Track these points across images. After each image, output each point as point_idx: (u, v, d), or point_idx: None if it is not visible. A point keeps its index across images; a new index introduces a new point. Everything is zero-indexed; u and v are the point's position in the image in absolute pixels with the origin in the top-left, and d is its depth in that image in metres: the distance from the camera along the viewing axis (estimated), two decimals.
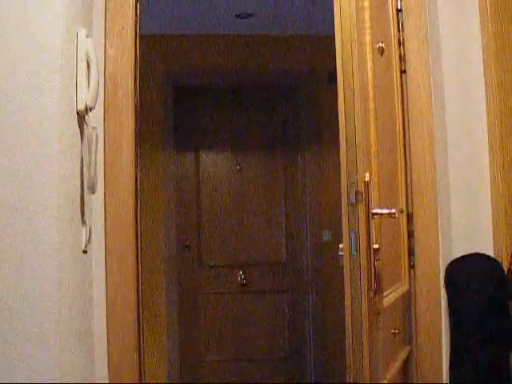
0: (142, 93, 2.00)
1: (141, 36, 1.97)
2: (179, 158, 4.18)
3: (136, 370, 1.86)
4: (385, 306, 1.66)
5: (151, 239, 3.89)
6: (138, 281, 1.88)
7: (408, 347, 1.93)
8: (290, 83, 4.14)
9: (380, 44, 1.79)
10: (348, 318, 1.53)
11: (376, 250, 1.49)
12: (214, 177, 4.21)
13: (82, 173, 1.61)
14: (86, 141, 1.65)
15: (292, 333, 4.14)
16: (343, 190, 1.52)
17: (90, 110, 1.59)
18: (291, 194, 4.22)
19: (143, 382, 1.86)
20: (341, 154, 1.56)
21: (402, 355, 1.88)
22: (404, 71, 1.97)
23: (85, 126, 1.63)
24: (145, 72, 2.10)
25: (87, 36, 1.62)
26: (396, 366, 1.80)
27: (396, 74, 1.98)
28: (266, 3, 3.55)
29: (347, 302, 1.53)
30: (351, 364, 1.53)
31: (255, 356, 4.10)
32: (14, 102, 1.37)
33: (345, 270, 1.53)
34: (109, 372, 1.83)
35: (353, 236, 1.49)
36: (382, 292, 1.62)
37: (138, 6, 1.95)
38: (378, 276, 1.51)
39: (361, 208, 1.49)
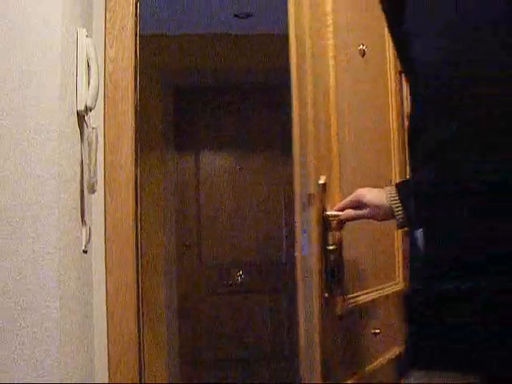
0: (141, 93, 2.00)
1: (141, 36, 1.97)
2: (179, 158, 4.18)
3: (136, 369, 1.86)
4: (357, 306, 1.64)
5: (151, 239, 3.89)
6: (137, 281, 1.88)
7: (397, 348, 1.90)
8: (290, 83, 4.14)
9: (361, 46, 1.79)
10: (301, 319, 1.53)
11: (332, 251, 1.48)
12: (214, 176, 4.21)
13: (82, 173, 1.61)
14: (86, 141, 1.65)
15: (292, 332, 4.14)
16: (296, 192, 1.51)
17: (90, 110, 1.59)
18: (291, 193, 4.21)
19: (143, 382, 1.86)
20: (294, 158, 1.54)
21: (387, 355, 1.85)
22: (401, 71, 1.98)
23: (85, 126, 1.63)
24: (145, 72, 2.10)
25: (87, 36, 1.62)
26: (376, 365, 1.78)
27: (390, 74, 1.98)
28: (265, 3, 3.55)
29: (300, 303, 1.52)
30: (304, 365, 1.53)
31: (255, 356, 4.10)
32: (14, 102, 1.37)
33: (297, 270, 1.53)
34: (109, 372, 1.83)
35: (305, 237, 1.49)
36: (346, 294, 1.60)
37: (138, 5, 1.95)
38: (339, 277, 1.50)
39: (312, 210, 1.47)
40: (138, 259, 1.88)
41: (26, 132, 1.36)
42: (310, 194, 1.47)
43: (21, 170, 1.36)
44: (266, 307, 4.15)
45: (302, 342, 1.52)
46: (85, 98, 1.55)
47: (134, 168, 1.89)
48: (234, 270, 4.16)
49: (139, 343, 1.86)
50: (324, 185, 1.47)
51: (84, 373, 1.62)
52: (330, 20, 1.67)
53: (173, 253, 4.03)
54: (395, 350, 1.89)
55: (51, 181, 1.37)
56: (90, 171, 1.64)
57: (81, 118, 1.59)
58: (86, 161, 1.64)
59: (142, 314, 1.93)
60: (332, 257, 1.47)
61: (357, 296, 1.68)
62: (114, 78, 1.89)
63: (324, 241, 1.47)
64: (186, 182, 4.19)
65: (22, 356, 1.32)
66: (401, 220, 1.32)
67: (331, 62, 1.69)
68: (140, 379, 1.86)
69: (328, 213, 1.47)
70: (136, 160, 1.91)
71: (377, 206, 1.38)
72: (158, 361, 3.87)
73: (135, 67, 1.91)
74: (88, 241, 1.68)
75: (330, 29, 1.67)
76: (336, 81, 1.68)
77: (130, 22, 1.90)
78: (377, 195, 1.39)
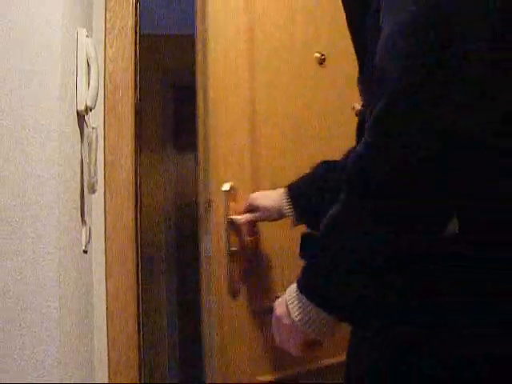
0: (141, 93, 2.00)
1: (140, 36, 1.97)
2: (179, 158, 4.18)
3: (136, 369, 1.86)
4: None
5: (151, 238, 3.89)
6: (137, 280, 1.88)
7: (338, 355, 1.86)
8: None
9: (317, 54, 1.84)
10: (204, 320, 1.65)
11: (233, 253, 1.59)
12: None
13: (82, 173, 1.61)
14: (86, 141, 1.65)
15: None
16: (199, 197, 1.65)
17: (90, 109, 1.59)
18: None
19: (143, 381, 1.86)
20: (198, 164, 1.67)
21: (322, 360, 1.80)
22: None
23: (85, 126, 1.63)
24: (144, 72, 2.10)
25: (87, 36, 1.62)
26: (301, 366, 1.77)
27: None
28: None
29: (203, 303, 1.66)
30: (207, 367, 1.64)
31: None
32: (14, 102, 1.37)
33: (201, 271, 1.57)
34: (109, 372, 1.83)
35: (208, 239, 1.53)
36: (266, 292, 1.67)
37: (138, 6, 1.95)
38: (250, 277, 1.59)
39: (212, 215, 1.62)
40: (138, 259, 1.89)
41: (25, 132, 1.36)
42: (209, 200, 1.63)
43: (21, 170, 1.36)
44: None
45: (205, 341, 1.55)
46: (85, 97, 1.55)
47: (133, 168, 1.89)
48: None
49: (139, 343, 1.86)
50: (229, 191, 1.60)
51: (84, 373, 1.62)
52: (245, 36, 1.78)
53: (173, 252, 4.03)
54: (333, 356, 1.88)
55: (51, 181, 1.37)
56: (90, 171, 1.64)
57: (81, 117, 1.59)
58: (86, 161, 1.64)
59: (143, 313, 1.93)
60: (236, 258, 1.58)
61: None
62: (113, 77, 1.89)
63: (227, 244, 1.59)
64: (185, 182, 4.18)
65: (22, 356, 1.32)
66: (293, 219, 1.42)
67: (246, 74, 1.78)
68: (140, 379, 1.86)
69: (230, 217, 1.58)
70: (136, 160, 1.91)
71: (267, 209, 1.49)
72: (158, 361, 3.87)
73: (135, 67, 1.91)
74: (88, 241, 1.68)
75: (244, 45, 1.78)
76: (254, 90, 1.77)
77: (129, 22, 1.90)
78: (269, 198, 1.48)
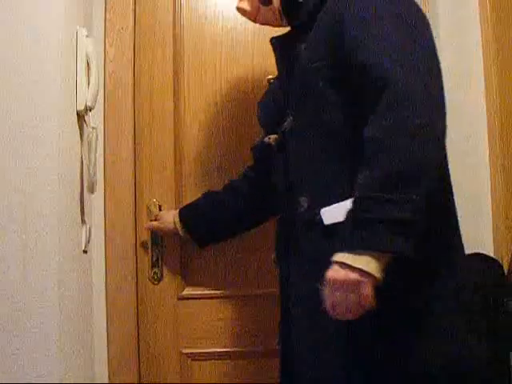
0: None
1: None
2: None
3: (136, 369, 1.86)
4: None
5: None
6: (137, 280, 1.88)
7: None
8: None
9: (270, 77, 1.86)
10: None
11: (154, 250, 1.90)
12: None
13: (81, 173, 1.61)
14: (86, 141, 1.65)
15: None
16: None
17: (90, 109, 1.59)
18: None
19: (142, 382, 1.86)
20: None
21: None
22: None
23: (85, 126, 1.63)
24: None
25: (87, 36, 1.62)
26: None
27: None
28: None
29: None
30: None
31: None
32: (14, 102, 1.37)
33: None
34: (109, 372, 1.83)
35: None
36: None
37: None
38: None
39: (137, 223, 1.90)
40: (137, 259, 1.88)
41: (26, 132, 1.36)
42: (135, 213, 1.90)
43: (21, 170, 1.36)
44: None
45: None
46: (85, 97, 1.55)
47: (134, 168, 1.88)
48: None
49: (139, 343, 1.86)
50: (149, 206, 1.89)
51: (84, 373, 1.62)
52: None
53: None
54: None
55: (51, 181, 1.37)
56: (89, 171, 1.64)
57: (81, 117, 1.59)
58: (85, 161, 1.64)
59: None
60: (155, 256, 1.91)
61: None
62: (113, 77, 1.89)
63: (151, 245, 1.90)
64: None
65: (22, 356, 1.32)
66: (181, 233, 1.80)
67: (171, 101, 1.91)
68: (139, 379, 1.86)
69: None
70: (136, 160, 1.90)
71: (164, 221, 1.81)
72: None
73: (135, 67, 1.91)
74: (88, 241, 1.68)
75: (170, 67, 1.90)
76: (178, 117, 1.91)
77: (130, 22, 1.90)
78: (170, 213, 1.82)
